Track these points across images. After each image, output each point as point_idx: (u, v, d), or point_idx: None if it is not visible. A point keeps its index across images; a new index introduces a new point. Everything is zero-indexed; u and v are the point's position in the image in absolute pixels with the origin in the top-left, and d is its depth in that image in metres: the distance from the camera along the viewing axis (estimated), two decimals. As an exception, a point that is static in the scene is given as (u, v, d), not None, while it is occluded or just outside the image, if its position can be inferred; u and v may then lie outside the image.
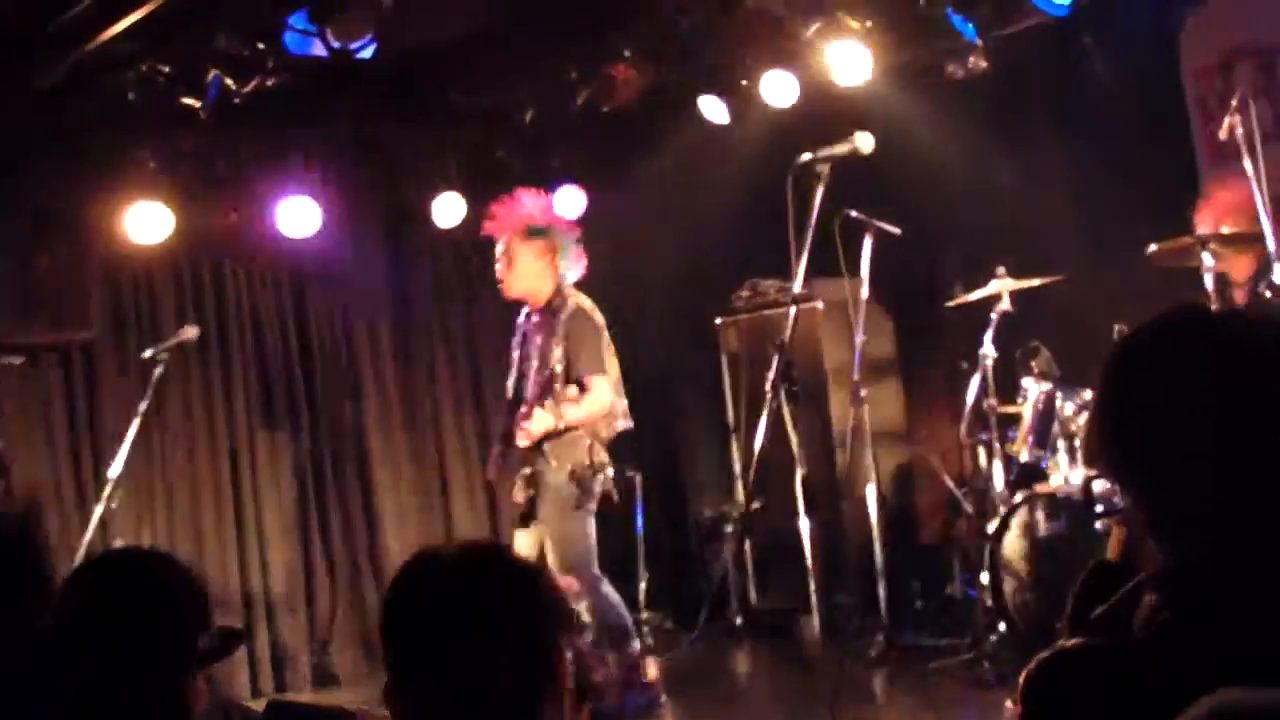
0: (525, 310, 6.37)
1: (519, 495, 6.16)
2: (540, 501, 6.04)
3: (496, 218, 6.31)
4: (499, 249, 6.23)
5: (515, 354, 6.37)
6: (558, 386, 5.98)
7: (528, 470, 6.11)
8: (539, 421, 5.93)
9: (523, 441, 6.03)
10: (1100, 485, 5.07)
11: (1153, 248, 5.56)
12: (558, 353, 6.02)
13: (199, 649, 2.46)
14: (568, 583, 5.69)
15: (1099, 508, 5.32)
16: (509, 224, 6.23)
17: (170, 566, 2.59)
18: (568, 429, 5.97)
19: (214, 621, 2.56)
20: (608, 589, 6.05)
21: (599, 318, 6.19)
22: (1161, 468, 1.70)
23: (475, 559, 2.05)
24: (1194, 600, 1.64)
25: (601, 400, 6.02)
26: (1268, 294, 5.40)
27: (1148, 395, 1.73)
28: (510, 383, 6.36)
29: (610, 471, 6.12)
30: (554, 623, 2.01)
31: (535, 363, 6.15)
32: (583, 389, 5.98)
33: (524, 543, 6.08)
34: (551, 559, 5.93)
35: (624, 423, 6.22)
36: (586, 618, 5.87)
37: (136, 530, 6.97)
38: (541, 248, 6.16)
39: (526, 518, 6.11)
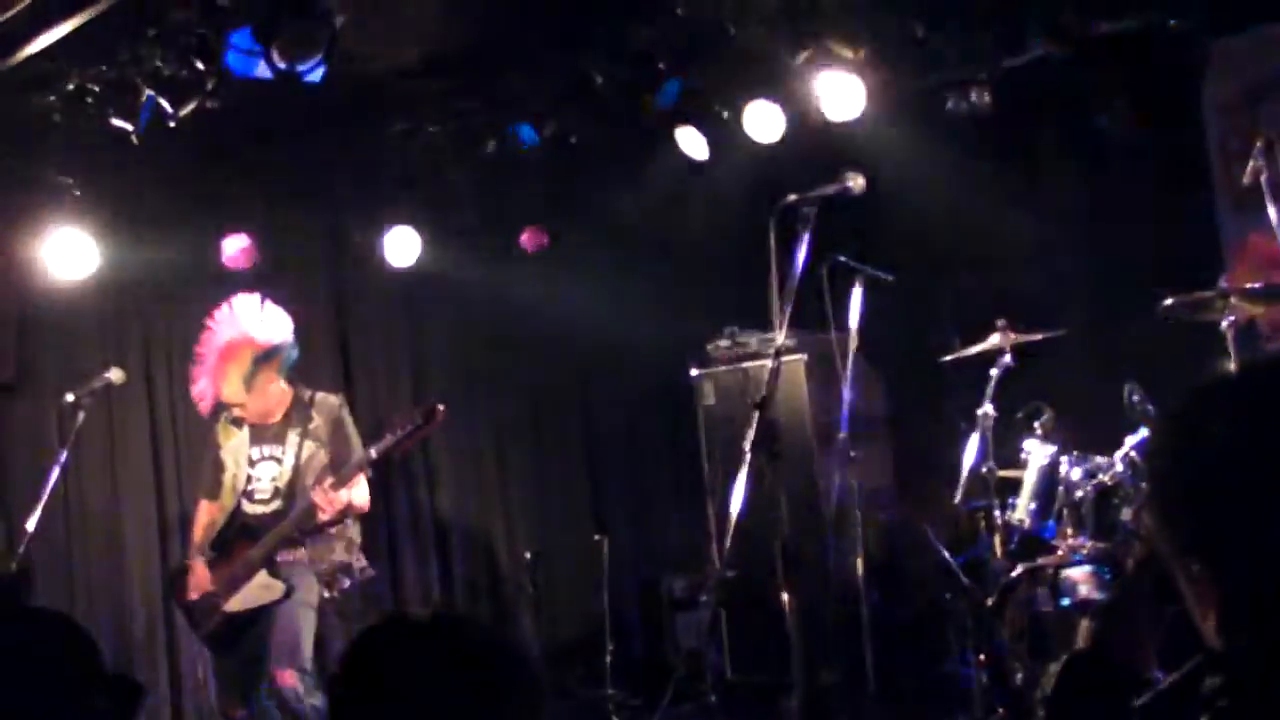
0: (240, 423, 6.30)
1: None
2: None
3: (216, 333, 6.26)
4: (226, 368, 6.17)
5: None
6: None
7: None
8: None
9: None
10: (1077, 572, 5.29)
11: (1169, 301, 5.38)
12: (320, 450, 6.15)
13: (94, 710, 2.37)
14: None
15: (1065, 600, 5.37)
16: (236, 346, 6.19)
17: (54, 625, 2.48)
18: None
19: (107, 678, 2.44)
20: None
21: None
22: (1244, 538, 1.62)
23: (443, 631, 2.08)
24: (1261, 685, 1.58)
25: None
26: None
27: (1232, 453, 1.64)
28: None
29: None
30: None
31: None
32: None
33: None
34: None
35: None
36: None
37: (53, 588, 6.79)
38: (276, 366, 6.21)
39: None
